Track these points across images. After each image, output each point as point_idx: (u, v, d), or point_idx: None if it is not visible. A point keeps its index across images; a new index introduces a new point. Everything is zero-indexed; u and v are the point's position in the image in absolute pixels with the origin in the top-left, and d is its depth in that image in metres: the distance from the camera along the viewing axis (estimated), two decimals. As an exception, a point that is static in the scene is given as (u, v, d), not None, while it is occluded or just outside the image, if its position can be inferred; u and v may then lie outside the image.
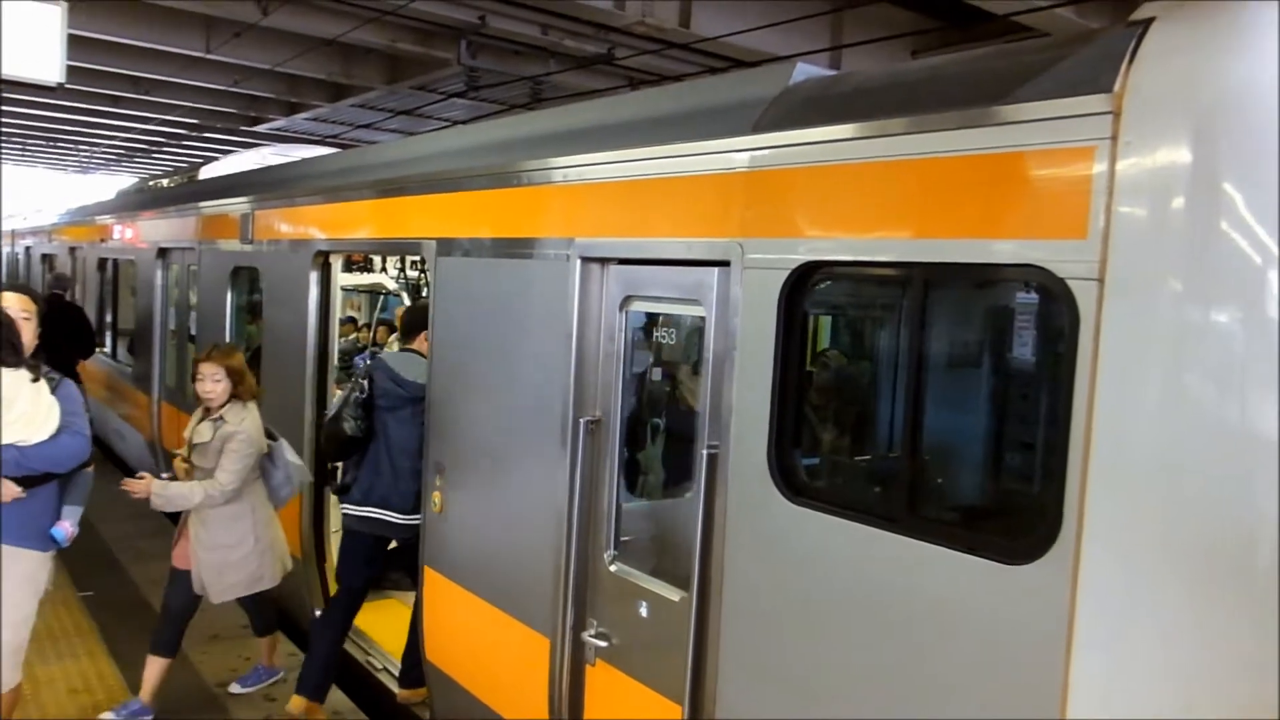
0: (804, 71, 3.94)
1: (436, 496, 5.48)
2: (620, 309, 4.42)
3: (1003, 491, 3.19)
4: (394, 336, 11.79)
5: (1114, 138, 2.62)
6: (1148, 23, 2.69)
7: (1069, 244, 2.68)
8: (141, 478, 5.63)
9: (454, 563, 5.39)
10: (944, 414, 3.17)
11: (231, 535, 5.76)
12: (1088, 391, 2.61)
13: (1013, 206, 2.87)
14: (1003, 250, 2.88)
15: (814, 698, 3.37)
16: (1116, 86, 2.63)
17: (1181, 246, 2.55)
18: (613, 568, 4.40)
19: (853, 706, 3.22)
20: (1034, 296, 2.88)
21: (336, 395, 6.80)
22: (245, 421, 5.77)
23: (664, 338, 4.58)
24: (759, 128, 3.76)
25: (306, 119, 21.24)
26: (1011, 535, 2.92)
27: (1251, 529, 2.47)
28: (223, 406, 5.78)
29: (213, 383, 5.78)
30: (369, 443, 5.92)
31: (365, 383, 5.95)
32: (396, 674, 6.33)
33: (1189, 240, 2.54)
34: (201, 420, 5.89)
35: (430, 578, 5.55)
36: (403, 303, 13.23)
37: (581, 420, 4.43)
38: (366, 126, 21.56)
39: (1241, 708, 2.45)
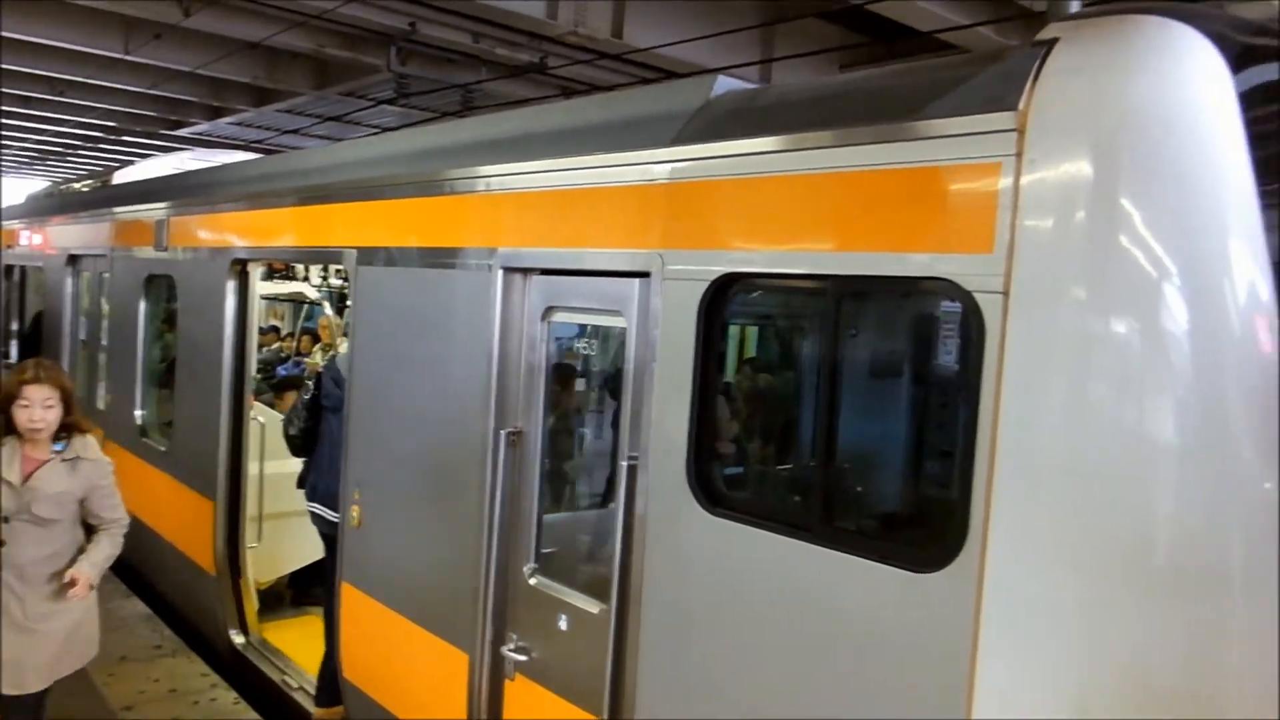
0: (725, 84, 3.96)
1: (355, 511, 5.36)
2: (542, 319, 4.38)
3: (912, 501, 3.24)
4: (319, 346, 11.55)
5: (1019, 154, 2.68)
6: (1051, 43, 2.76)
7: (976, 258, 2.73)
8: (73, 580, 4.56)
9: (372, 578, 5.27)
10: (857, 425, 3.20)
11: (57, 602, 4.64)
12: (993, 401, 2.66)
13: (923, 221, 2.92)
14: (914, 263, 2.92)
15: (732, 708, 3.37)
16: (1021, 104, 2.69)
17: (1082, 260, 2.61)
18: (533, 581, 4.35)
19: (770, 717, 3.23)
20: (944, 309, 2.93)
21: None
22: (96, 448, 4.89)
23: (586, 349, 4.55)
24: (680, 140, 3.76)
25: (230, 123, 20.73)
26: (920, 544, 2.96)
27: (1148, 532, 2.53)
28: (57, 439, 4.70)
29: (43, 409, 4.59)
30: (316, 441, 6.13)
31: (312, 384, 6.20)
32: (313, 692, 6.17)
33: (1089, 254, 2.60)
34: (32, 462, 4.63)
35: (348, 593, 5.42)
36: (324, 312, 12.98)
37: (502, 432, 4.38)
38: (293, 132, 21.14)
39: (1138, 708, 2.50)
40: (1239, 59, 2.63)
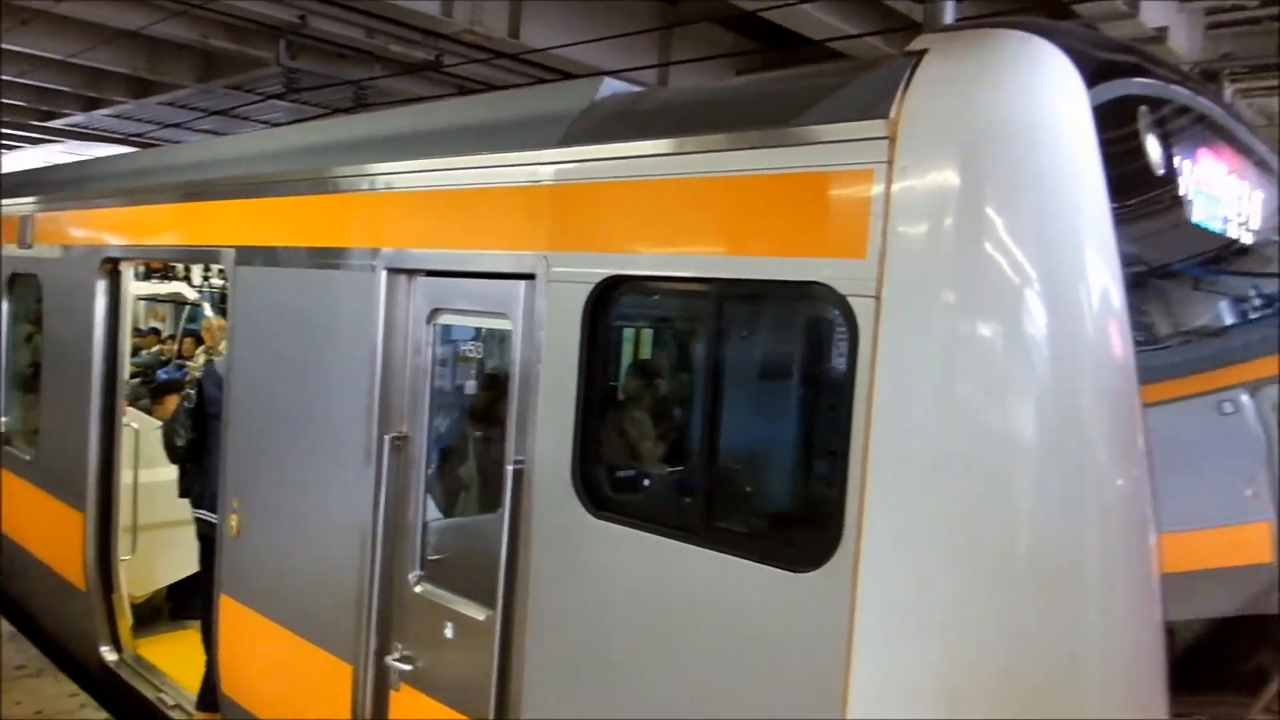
0: (610, 87, 3.96)
1: (233, 520, 5.16)
2: (428, 322, 4.30)
3: (790, 501, 3.29)
4: (202, 349, 11.10)
5: (890, 162, 2.74)
6: (922, 54, 2.84)
7: (850, 262, 2.79)
8: None
9: (252, 589, 5.08)
10: (737, 427, 3.23)
11: None
12: (866, 403, 2.72)
13: (801, 225, 2.96)
14: (791, 267, 2.97)
15: (618, 710, 3.36)
16: (892, 113, 2.75)
17: (949, 266, 2.69)
18: (418, 588, 4.26)
19: (655, 717, 3.23)
20: (820, 312, 2.98)
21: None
22: None
23: (473, 351, 4.49)
24: (565, 141, 3.74)
25: (108, 115, 19.74)
26: (797, 543, 3.01)
27: (1011, 529, 2.62)
28: None
29: None
30: (203, 449, 5.88)
31: (194, 392, 5.96)
32: (190, 710, 5.92)
33: (956, 260, 2.68)
34: None
35: (226, 606, 5.21)
36: (205, 314, 12.47)
37: (387, 437, 4.28)
38: (176, 126, 20.24)
39: (1004, 700, 2.59)
40: (1095, 74, 2.75)
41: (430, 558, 4.35)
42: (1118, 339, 2.58)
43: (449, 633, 4.08)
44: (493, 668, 3.73)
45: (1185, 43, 12.18)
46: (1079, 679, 2.56)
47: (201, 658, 5.82)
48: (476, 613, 3.97)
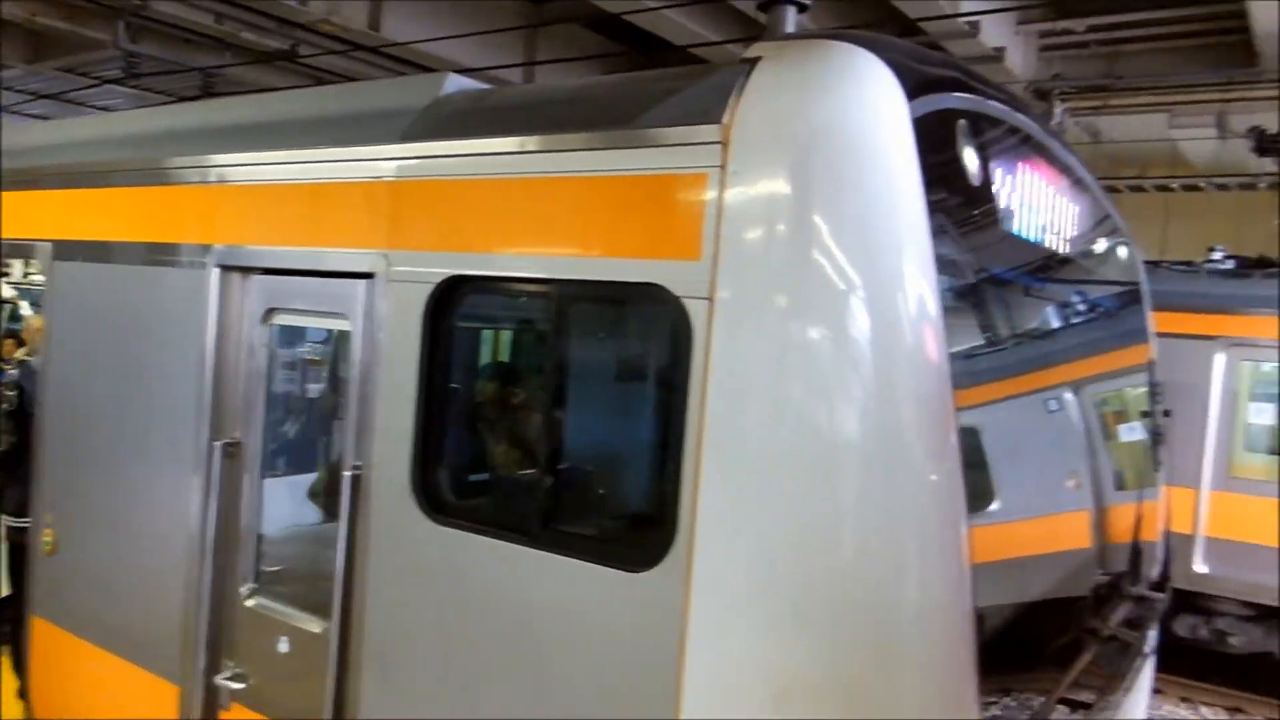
0: (456, 83, 3.88)
1: (48, 536, 4.80)
2: (263, 322, 4.11)
3: (626, 502, 3.30)
4: (22, 350, 10.32)
5: (723, 166, 2.78)
6: (755, 61, 2.89)
7: (684, 265, 2.81)
8: None
9: (69, 609, 4.74)
10: (575, 429, 3.22)
11: None
12: (699, 404, 2.74)
13: (638, 228, 2.97)
14: (628, 269, 2.97)
15: (458, 717, 3.29)
16: (725, 118, 2.79)
17: (780, 270, 2.74)
18: (251, 602, 4.06)
19: (494, 725, 3.18)
20: (656, 314, 2.99)
21: None
22: None
23: (312, 354, 4.32)
24: (407, 137, 3.64)
25: (-78, 95, 18.18)
26: (633, 544, 3.02)
27: (837, 524, 2.69)
28: None
29: None
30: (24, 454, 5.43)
31: (14, 394, 5.67)
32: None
33: (785, 264, 2.74)
34: None
35: (40, 629, 4.85)
36: (24, 312, 11.61)
37: (218, 443, 4.07)
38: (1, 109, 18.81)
39: (832, 696, 2.65)
40: (916, 88, 2.86)
41: (265, 569, 4.16)
42: (933, 343, 2.69)
43: (284, 647, 3.91)
44: (328, 681, 3.59)
45: (1021, 63, 12.94)
46: (897, 667, 2.65)
47: (12, 684, 5.40)
48: (312, 625, 3.82)
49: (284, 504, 4.53)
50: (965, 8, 11.10)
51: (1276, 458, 8.92)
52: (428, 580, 3.39)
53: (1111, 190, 17.97)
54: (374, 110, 4.02)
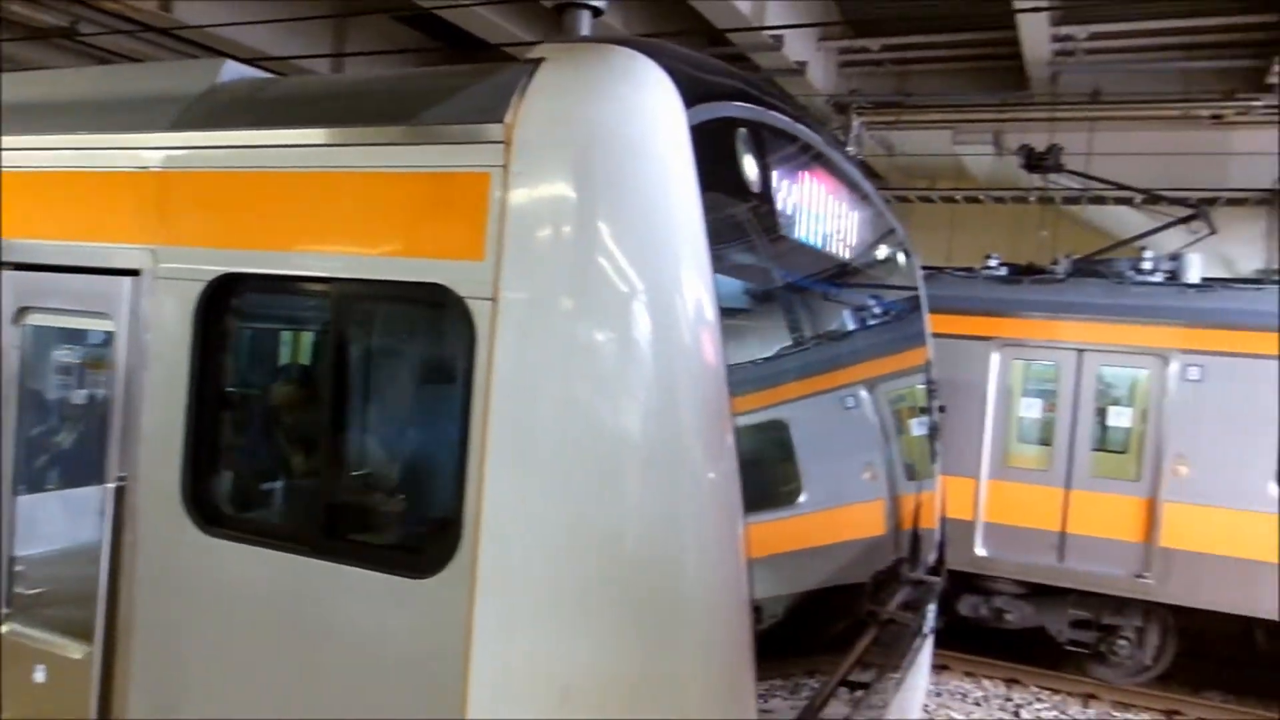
0: (235, 70, 3.68)
1: None
2: (14, 322, 3.76)
3: (410, 508, 3.23)
4: None
5: (505, 166, 2.76)
6: (539, 62, 2.89)
7: (467, 264, 2.78)
8: None
9: None
10: (356, 433, 3.12)
11: None
12: (484, 406, 2.72)
13: (420, 226, 2.91)
14: (411, 268, 2.91)
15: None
16: (508, 118, 2.78)
17: (563, 272, 2.75)
18: (3, 629, 3.70)
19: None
20: (439, 315, 2.94)
21: None
22: None
23: (73, 356, 3.99)
24: (178, 125, 3.42)
25: None
26: (417, 550, 2.96)
27: (620, 525, 2.73)
28: None
29: None
30: None
31: None
32: None
33: (568, 266, 2.75)
34: None
35: None
36: None
37: None
38: None
39: (614, 693, 2.69)
40: (696, 95, 2.92)
41: (22, 593, 3.81)
42: (710, 346, 2.76)
43: (40, 677, 3.59)
44: (90, 710, 3.33)
45: (822, 77, 13.63)
46: (676, 661, 2.71)
47: None
48: (73, 651, 3.53)
49: (52, 521, 4.17)
50: (770, 22, 11.58)
51: (1046, 448, 9.78)
52: (201, 597, 3.20)
53: (903, 200, 19.23)
54: (143, 95, 3.75)
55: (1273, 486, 8.64)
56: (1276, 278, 10.61)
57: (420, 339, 3.16)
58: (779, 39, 11.93)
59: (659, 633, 2.69)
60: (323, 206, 3.10)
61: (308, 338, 3.35)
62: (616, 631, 2.68)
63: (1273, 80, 13.35)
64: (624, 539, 2.71)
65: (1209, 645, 9.98)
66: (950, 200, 18.75)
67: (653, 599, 2.68)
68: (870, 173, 17.57)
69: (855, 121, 12.91)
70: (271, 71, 4.08)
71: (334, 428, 3.03)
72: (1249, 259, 15.27)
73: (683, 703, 2.68)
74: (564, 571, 2.70)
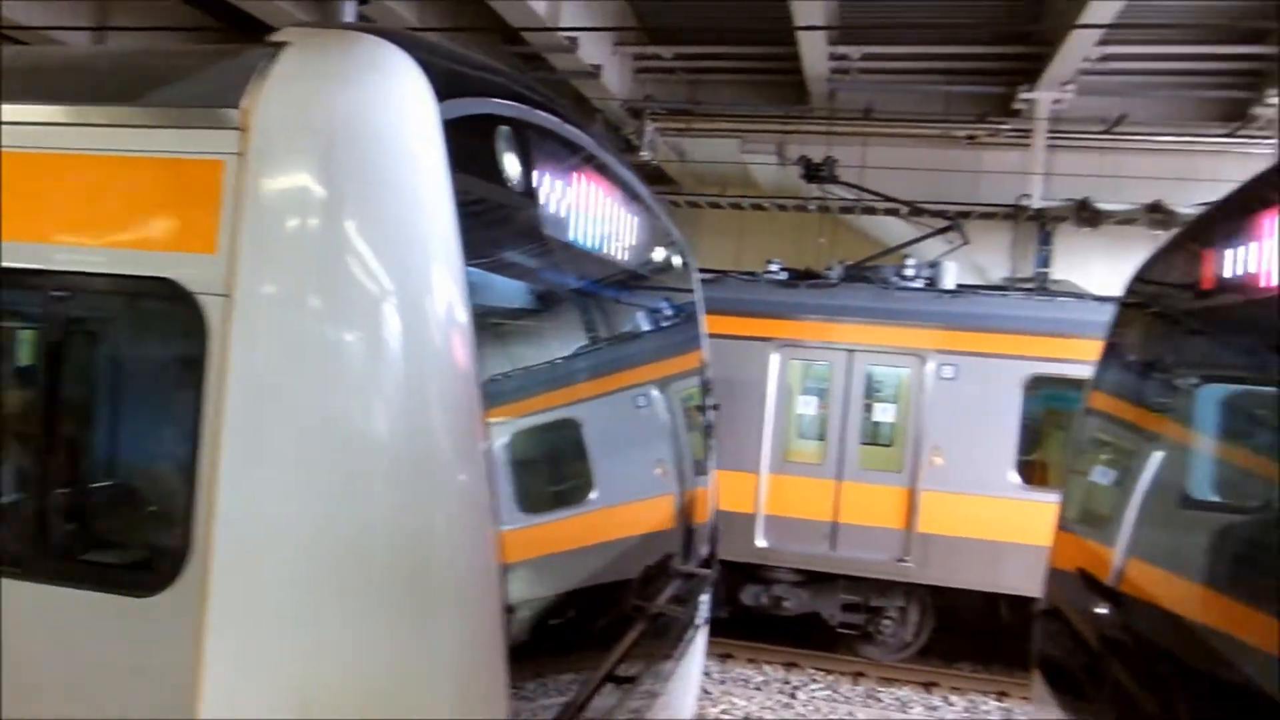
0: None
1: None
2: None
3: (133, 522, 2.99)
4: None
5: (241, 154, 2.61)
6: (281, 45, 2.75)
7: (198, 258, 2.60)
8: None
9: None
10: (74, 442, 2.86)
11: None
12: (216, 409, 2.55)
13: (148, 216, 2.70)
14: (134, 262, 2.69)
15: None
16: (244, 103, 2.62)
17: (306, 267, 2.61)
18: None
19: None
20: (167, 311, 2.74)
21: None
22: None
23: None
24: None
25: None
26: (140, 567, 2.75)
27: (367, 531, 2.62)
28: None
29: None
30: None
31: None
32: None
33: (313, 262, 2.62)
34: None
35: None
36: None
37: None
38: None
39: (355, 703, 2.59)
40: (450, 89, 2.85)
41: None
42: (461, 348, 2.70)
43: None
44: None
45: (617, 82, 13.86)
46: (424, 665, 2.64)
47: None
48: None
49: None
50: (566, 24, 11.64)
51: (821, 443, 10.36)
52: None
53: (695, 206, 19.84)
54: None
55: (1012, 474, 9.55)
56: (1019, 284, 11.73)
57: (147, 338, 2.93)
58: (574, 41, 12.00)
59: (407, 638, 2.62)
60: (43, 192, 2.82)
61: (23, 337, 3.02)
62: (361, 638, 2.59)
63: (1019, 106, 14.79)
64: (370, 545, 2.62)
65: (961, 620, 10.89)
66: (738, 207, 19.55)
67: (400, 604, 2.60)
68: (662, 177, 18.04)
69: (649, 126, 13.20)
70: (19, 43, 3.68)
71: (48, 436, 2.75)
72: (997, 267, 16.85)
73: (430, 708, 2.62)
74: (306, 580, 2.58)
